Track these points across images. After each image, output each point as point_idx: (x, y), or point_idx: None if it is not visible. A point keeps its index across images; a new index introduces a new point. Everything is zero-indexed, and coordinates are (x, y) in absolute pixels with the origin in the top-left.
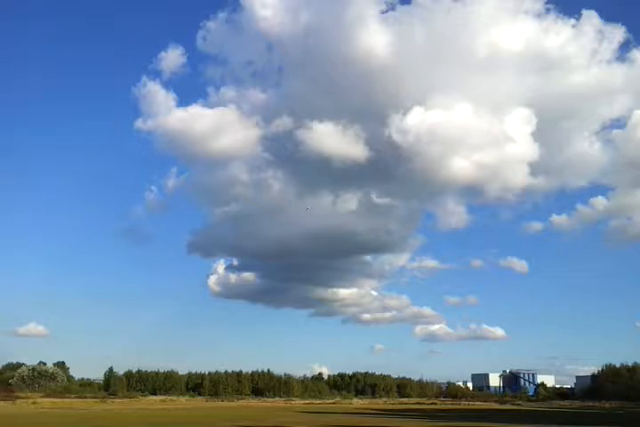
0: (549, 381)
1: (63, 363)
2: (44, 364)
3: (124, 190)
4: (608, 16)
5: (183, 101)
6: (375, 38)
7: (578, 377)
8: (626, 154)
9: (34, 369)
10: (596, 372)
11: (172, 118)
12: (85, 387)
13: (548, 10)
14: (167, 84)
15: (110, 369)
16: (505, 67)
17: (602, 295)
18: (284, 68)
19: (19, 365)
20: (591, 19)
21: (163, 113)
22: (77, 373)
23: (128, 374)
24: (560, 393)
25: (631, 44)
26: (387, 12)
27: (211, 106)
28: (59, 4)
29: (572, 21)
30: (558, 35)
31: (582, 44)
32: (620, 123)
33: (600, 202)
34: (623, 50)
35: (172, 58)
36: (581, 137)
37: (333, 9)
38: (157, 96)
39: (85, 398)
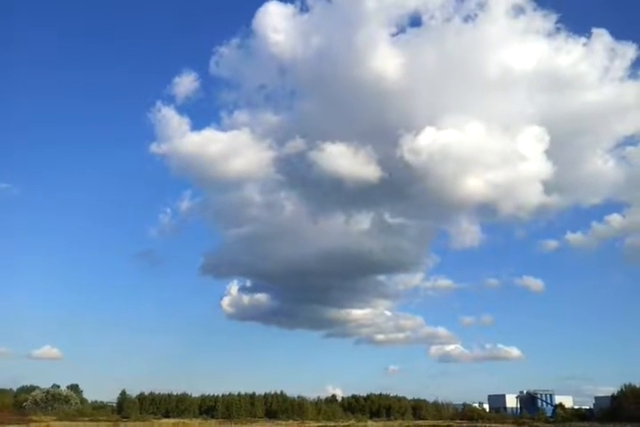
0: (567, 402)
1: (77, 386)
2: (58, 387)
3: (138, 213)
4: (618, 34)
5: (197, 125)
6: (386, 61)
7: (597, 398)
8: None
9: (47, 392)
10: (615, 392)
11: (186, 142)
12: (99, 410)
13: (558, 29)
14: (181, 109)
15: (123, 392)
16: (517, 86)
17: (619, 314)
18: (296, 91)
19: (32, 388)
20: (602, 37)
21: (177, 137)
22: (91, 395)
23: (141, 397)
24: (579, 414)
25: None
26: (397, 34)
27: (224, 129)
28: (76, 30)
29: (583, 40)
30: (569, 53)
31: (594, 62)
32: (633, 140)
33: (615, 219)
34: (635, 67)
35: (186, 83)
36: (595, 154)
37: (344, 32)
38: (172, 120)
39: (98, 421)
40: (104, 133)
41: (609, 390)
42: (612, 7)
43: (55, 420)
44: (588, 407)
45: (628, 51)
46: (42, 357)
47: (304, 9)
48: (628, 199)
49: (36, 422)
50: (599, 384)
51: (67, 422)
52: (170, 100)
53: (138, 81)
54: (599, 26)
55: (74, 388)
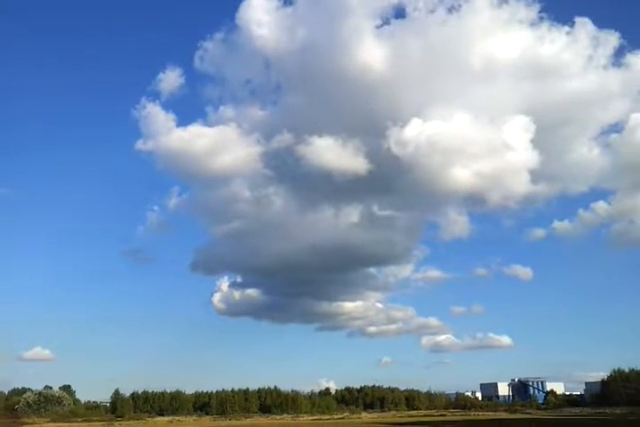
0: (559, 388)
1: (69, 386)
2: (50, 388)
3: (125, 211)
4: (601, 23)
5: (183, 121)
6: (371, 53)
7: (587, 383)
8: (625, 158)
9: (39, 394)
10: (605, 377)
11: (172, 138)
12: (92, 410)
13: (541, 18)
14: (166, 105)
15: (116, 391)
16: (501, 76)
17: (607, 300)
18: (282, 85)
19: (24, 390)
20: (585, 25)
21: (163, 133)
22: (84, 396)
23: (134, 396)
24: (570, 400)
25: (626, 49)
26: (382, 26)
27: (210, 125)
28: (57, 26)
29: (567, 29)
30: (553, 42)
31: (577, 51)
32: (617, 127)
33: (601, 206)
34: (618, 55)
35: (171, 79)
36: (580, 143)
37: (329, 25)
38: (157, 117)
39: (92, 421)
40: (89, 132)
41: (599, 375)
42: None
43: (48, 421)
44: (579, 393)
45: (610, 39)
46: (33, 358)
47: (288, 2)
48: (613, 187)
49: (29, 424)
50: (590, 370)
51: (60, 424)
52: (155, 96)
53: (122, 78)
54: (582, 15)
55: (66, 389)
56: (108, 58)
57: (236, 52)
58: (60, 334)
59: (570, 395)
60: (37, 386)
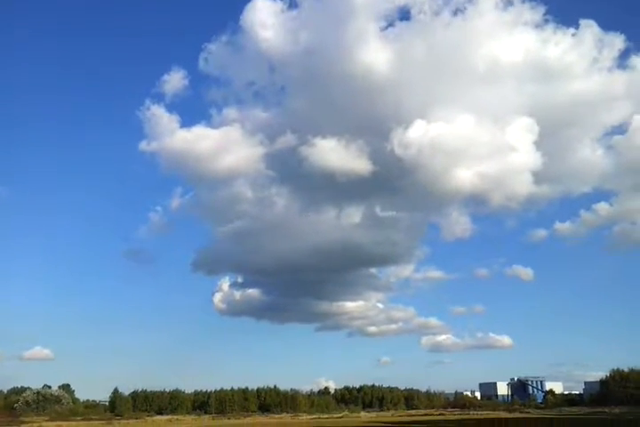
0: (558, 387)
1: (68, 385)
2: (49, 387)
3: (128, 212)
4: (606, 25)
5: (187, 122)
6: (376, 55)
7: (586, 383)
8: (627, 159)
9: (38, 393)
10: (604, 377)
11: (176, 139)
12: (91, 409)
13: (546, 20)
14: (170, 107)
15: (116, 390)
16: (506, 77)
17: (607, 300)
18: (285, 87)
19: (24, 389)
20: (590, 28)
21: (166, 134)
22: (83, 395)
23: (134, 395)
24: (569, 400)
25: (631, 51)
26: (386, 28)
27: (214, 126)
28: (62, 27)
29: (572, 31)
30: (558, 44)
31: (582, 53)
32: (621, 129)
33: (603, 208)
34: (623, 57)
35: (175, 81)
36: (583, 144)
37: (333, 28)
38: (161, 118)
39: (91, 420)
40: (93, 132)
41: (598, 375)
42: None
43: (47, 420)
44: (577, 393)
45: (616, 41)
46: (33, 357)
47: (293, 5)
48: (615, 188)
49: (27, 423)
50: (588, 370)
51: (59, 423)
52: (159, 97)
53: (126, 79)
54: (587, 17)
55: (65, 388)
56: (112, 59)
57: (240, 54)
58: (60, 334)
59: (569, 394)
60: (37, 385)
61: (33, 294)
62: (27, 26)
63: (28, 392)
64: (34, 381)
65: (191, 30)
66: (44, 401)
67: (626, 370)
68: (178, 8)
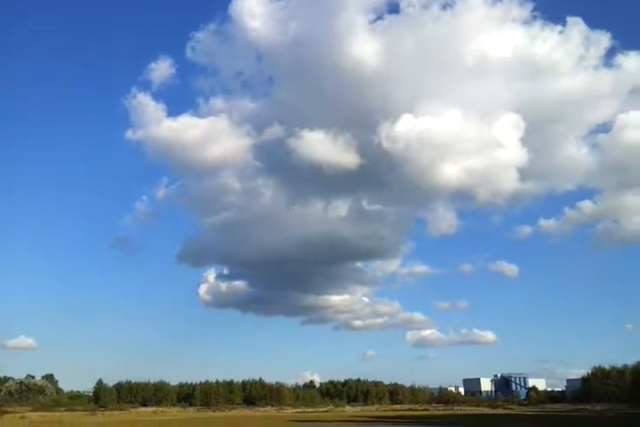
0: (541, 384)
1: (52, 376)
2: (33, 377)
3: (114, 201)
4: (593, 23)
5: (173, 112)
6: (364, 47)
7: (569, 380)
8: (611, 158)
9: (22, 383)
10: (586, 374)
11: (163, 128)
12: (75, 400)
13: (534, 17)
14: (157, 95)
15: (100, 381)
16: (493, 73)
17: (591, 298)
18: (273, 77)
19: (6, 379)
20: (577, 25)
21: (153, 123)
22: (67, 385)
23: (118, 386)
24: (551, 396)
25: (617, 49)
26: (375, 21)
27: (201, 116)
28: (48, 16)
29: (559, 28)
30: (545, 41)
31: (569, 50)
32: (605, 128)
33: (587, 205)
34: (609, 56)
35: (162, 69)
36: (569, 142)
37: (322, 19)
38: (147, 107)
39: (75, 410)
40: (79, 121)
41: (580, 372)
42: None
43: (30, 411)
44: (560, 389)
45: (602, 39)
46: (16, 347)
47: None
48: (599, 186)
49: (10, 413)
50: (571, 367)
51: (42, 413)
52: (145, 86)
53: (112, 67)
54: (574, 14)
55: (49, 378)
56: (99, 47)
57: (228, 43)
58: (45, 323)
59: (551, 391)
60: (20, 375)
61: (17, 284)
62: (13, 14)
63: (10, 382)
64: (17, 370)
65: (179, 19)
66: (28, 391)
67: (607, 367)
68: None
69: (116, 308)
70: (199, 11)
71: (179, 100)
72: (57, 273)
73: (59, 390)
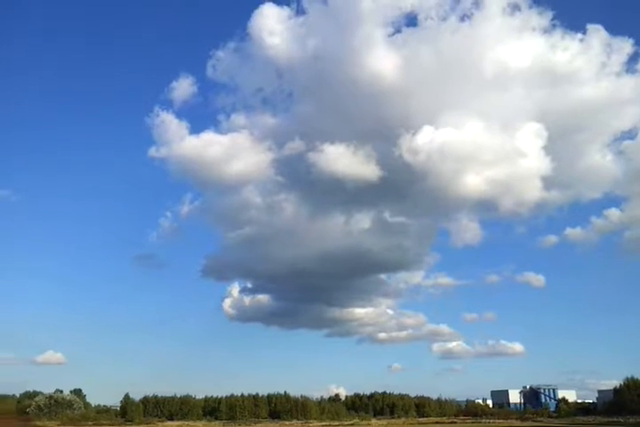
0: (571, 396)
1: (80, 390)
2: (61, 392)
3: (139, 217)
4: (614, 30)
5: (195, 129)
6: (383, 61)
7: (600, 391)
8: (637, 164)
9: (51, 397)
10: (618, 386)
11: (185, 145)
12: (102, 414)
13: (554, 26)
14: (179, 113)
15: (127, 395)
16: (514, 83)
17: (620, 307)
18: (293, 93)
19: (36, 393)
20: (598, 32)
21: (176, 141)
22: (94, 400)
23: (144, 400)
24: (582, 408)
25: (639, 55)
26: (393, 34)
27: (223, 132)
28: (73, 35)
29: (580, 36)
30: (566, 50)
31: (590, 58)
32: (630, 134)
33: (614, 213)
34: (632, 62)
35: (184, 87)
36: (593, 149)
37: (340, 34)
38: (170, 125)
39: (102, 425)
40: (103, 138)
41: (612, 383)
42: (607, 3)
43: (59, 425)
44: (591, 401)
45: (624, 46)
46: (45, 362)
47: (300, 11)
48: (625, 193)
49: None
50: (602, 378)
51: None
52: (168, 104)
53: (135, 86)
54: (594, 22)
55: (77, 392)
56: (122, 65)
57: (248, 60)
58: (73, 338)
59: (582, 403)
60: (49, 389)
61: (45, 299)
62: (41, 30)
63: (40, 397)
64: (46, 385)
65: (199, 37)
66: (56, 406)
67: None
68: (186, 15)
69: (142, 323)
70: (219, 29)
71: (200, 117)
72: (85, 289)
73: (87, 405)
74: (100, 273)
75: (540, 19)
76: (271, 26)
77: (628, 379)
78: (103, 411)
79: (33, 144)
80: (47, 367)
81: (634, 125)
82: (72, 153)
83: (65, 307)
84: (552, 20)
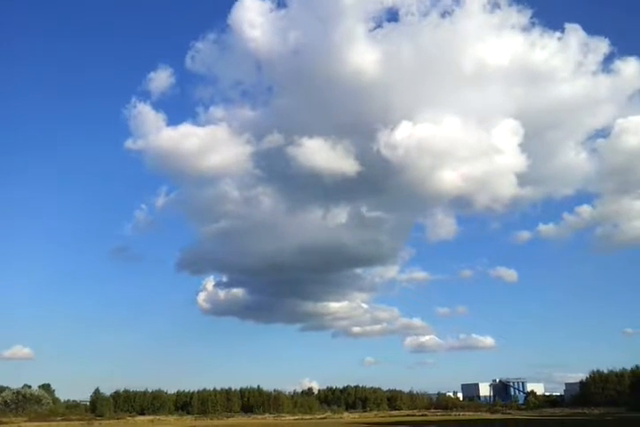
0: (539, 389)
1: (49, 385)
2: (29, 387)
3: (113, 210)
4: (592, 29)
5: (173, 121)
6: (363, 56)
7: (567, 384)
8: (610, 162)
9: (18, 393)
10: (584, 379)
11: (162, 137)
12: (72, 409)
13: (533, 24)
14: (157, 105)
15: (97, 390)
16: (492, 80)
17: (590, 302)
18: (273, 86)
19: (2, 388)
20: (575, 32)
21: (153, 133)
22: (64, 395)
23: (115, 395)
24: (550, 401)
25: (615, 55)
26: (375, 29)
27: (201, 124)
28: (48, 26)
29: (558, 34)
30: (544, 48)
31: (567, 57)
32: (604, 133)
33: (586, 210)
34: (607, 62)
35: (162, 78)
36: (567, 147)
37: (321, 28)
38: (147, 116)
39: (71, 420)
40: (79, 130)
41: (578, 376)
42: (585, 2)
43: (26, 421)
44: (558, 394)
45: (600, 45)
46: (13, 357)
47: (281, 4)
48: (597, 190)
49: (6, 423)
50: (569, 371)
51: (38, 423)
52: (145, 95)
53: (112, 77)
54: (572, 21)
55: (45, 387)
56: (99, 56)
57: (227, 52)
58: (41, 333)
59: (550, 396)
60: (16, 385)
61: (14, 292)
62: (15, 23)
63: (7, 392)
64: (13, 380)
65: (178, 28)
66: (24, 401)
67: (606, 371)
68: (165, 6)
69: (113, 316)
70: (198, 21)
71: (178, 109)
72: (54, 282)
73: (55, 400)
74: (73, 266)
75: (519, 17)
76: (252, 18)
77: (593, 372)
78: (73, 406)
79: (7, 136)
80: (14, 362)
81: (608, 124)
82: (47, 146)
83: (35, 300)
84: (531, 18)
